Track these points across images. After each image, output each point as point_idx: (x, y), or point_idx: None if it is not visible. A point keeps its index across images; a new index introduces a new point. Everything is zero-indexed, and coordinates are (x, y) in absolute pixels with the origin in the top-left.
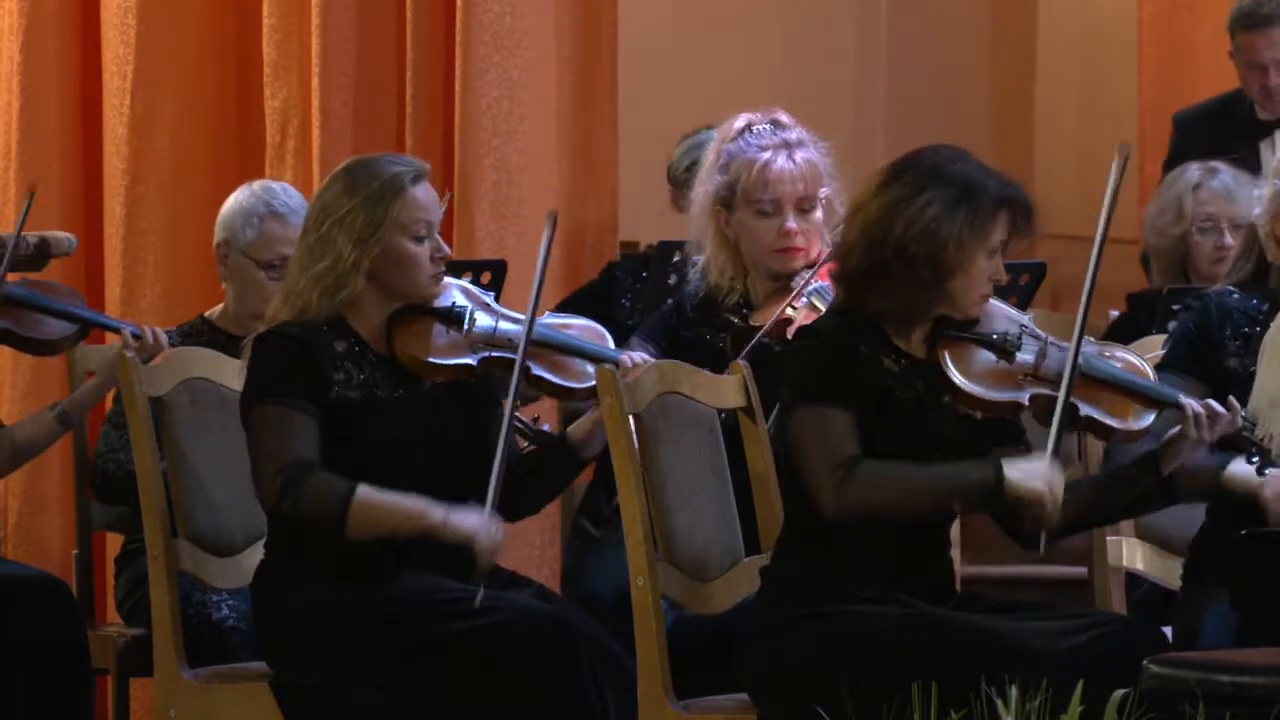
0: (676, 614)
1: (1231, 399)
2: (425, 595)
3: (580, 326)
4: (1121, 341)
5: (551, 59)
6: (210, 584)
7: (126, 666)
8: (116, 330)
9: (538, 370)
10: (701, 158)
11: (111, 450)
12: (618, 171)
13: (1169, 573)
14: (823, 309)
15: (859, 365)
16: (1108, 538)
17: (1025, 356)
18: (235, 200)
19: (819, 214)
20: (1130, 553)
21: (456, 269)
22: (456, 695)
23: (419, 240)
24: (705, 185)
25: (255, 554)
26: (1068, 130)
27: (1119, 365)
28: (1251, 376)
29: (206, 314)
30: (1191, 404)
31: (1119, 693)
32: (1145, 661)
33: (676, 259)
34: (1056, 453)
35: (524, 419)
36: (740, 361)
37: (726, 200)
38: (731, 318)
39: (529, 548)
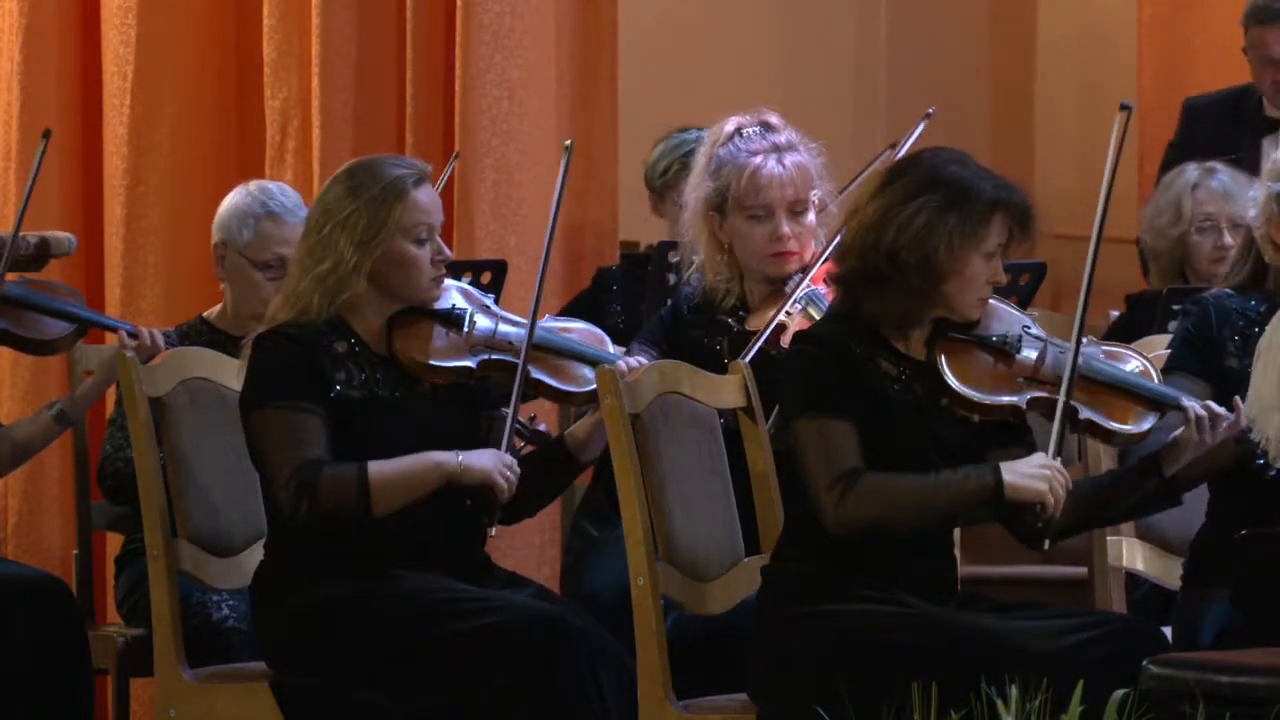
0: (676, 614)
1: (1237, 399)
2: (425, 595)
3: (580, 330)
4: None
5: (551, 59)
6: (210, 584)
7: (126, 666)
8: (115, 330)
9: (537, 374)
10: (675, 162)
11: (118, 449)
12: (618, 171)
13: (1169, 573)
14: (815, 315)
15: (857, 370)
16: (1108, 538)
17: (1025, 358)
18: (231, 201)
19: (811, 216)
20: (1130, 553)
21: (456, 269)
22: (456, 695)
23: (420, 243)
24: (697, 191)
25: (255, 554)
26: (1068, 130)
27: (1121, 366)
28: (1249, 377)
29: (205, 314)
30: (1193, 406)
31: (1119, 693)
32: (1145, 661)
33: (676, 259)
34: (1059, 453)
35: (521, 420)
36: (740, 361)
37: (718, 205)
38: (728, 319)
39: (529, 548)
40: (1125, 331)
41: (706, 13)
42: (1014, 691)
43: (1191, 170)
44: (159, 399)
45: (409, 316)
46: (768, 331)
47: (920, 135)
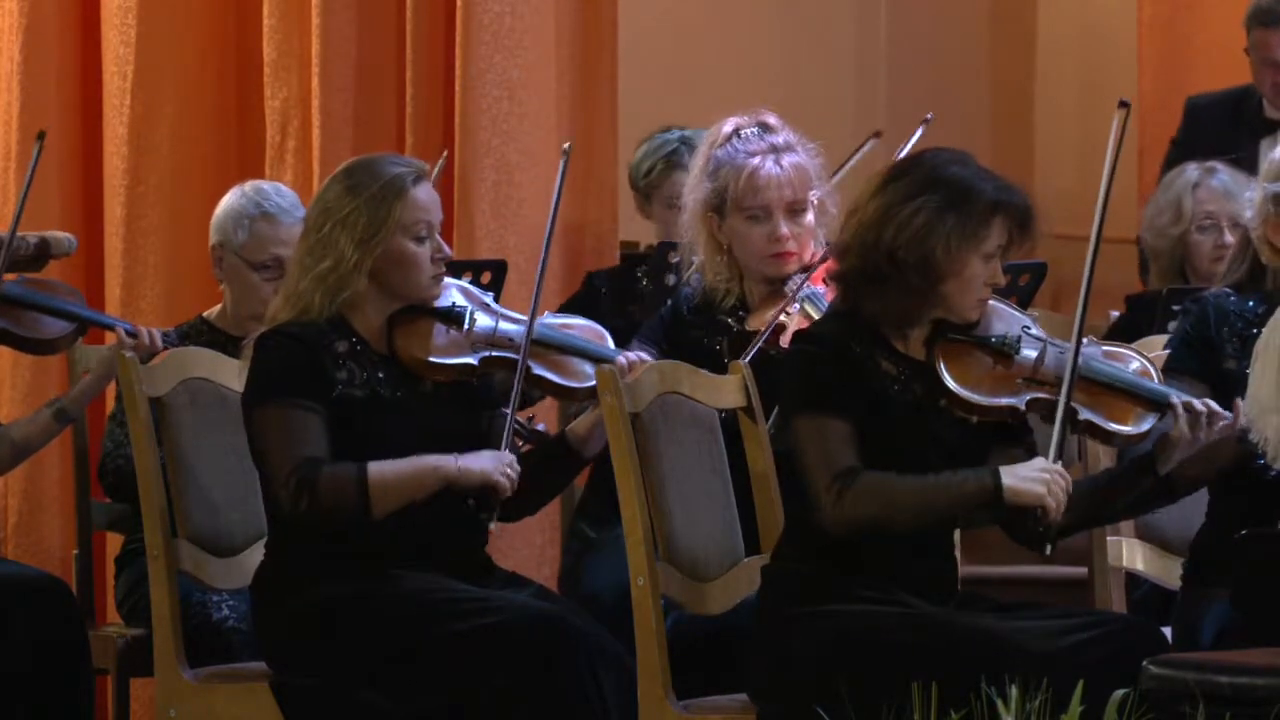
0: (676, 614)
1: (1237, 401)
2: (425, 595)
3: (581, 326)
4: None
5: (551, 59)
6: (210, 584)
7: (126, 666)
8: (114, 329)
9: (538, 369)
10: (659, 161)
11: (119, 446)
12: (618, 171)
13: (1169, 573)
14: (815, 315)
15: (857, 369)
16: (1108, 538)
17: (1024, 359)
18: (227, 202)
19: (810, 216)
20: (1130, 553)
21: (456, 269)
22: (456, 695)
23: (420, 241)
24: (695, 192)
25: (255, 554)
26: (1068, 130)
27: (1121, 367)
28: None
29: (205, 314)
30: (1181, 400)
31: (1119, 693)
32: (1145, 662)
33: (676, 259)
34: (1059, 456)
35: (520, 420)
36: (740, 361)
37: (717, 206)
38: (728, 320)
39: (529, 548)
40: (1125, 331)
41: (706, 13)
42: (1014, 691)
43: (1192, 169)
44: (159, 399)
45: (409, 315)
46: (768, 332)
47: (918, 141)
